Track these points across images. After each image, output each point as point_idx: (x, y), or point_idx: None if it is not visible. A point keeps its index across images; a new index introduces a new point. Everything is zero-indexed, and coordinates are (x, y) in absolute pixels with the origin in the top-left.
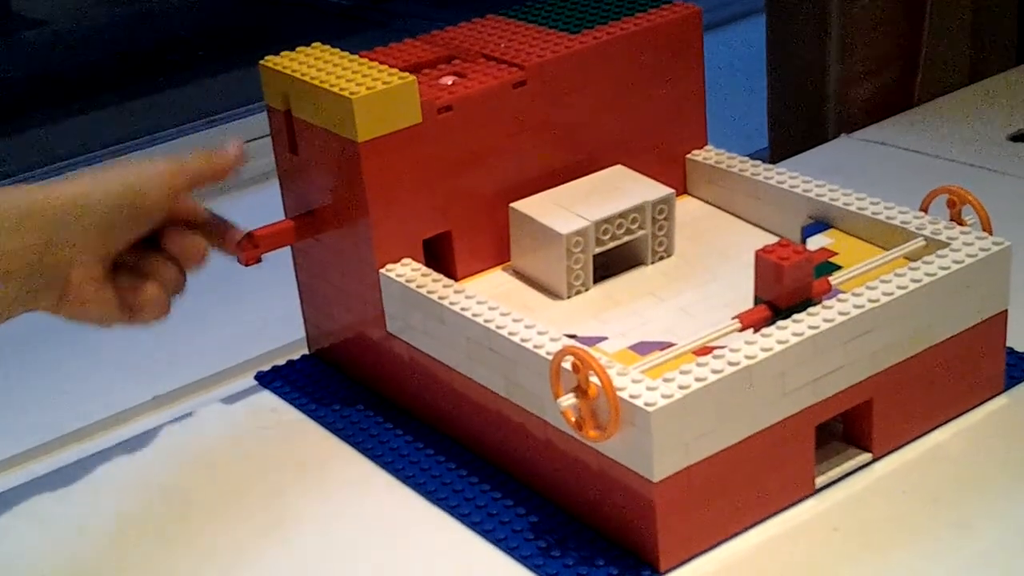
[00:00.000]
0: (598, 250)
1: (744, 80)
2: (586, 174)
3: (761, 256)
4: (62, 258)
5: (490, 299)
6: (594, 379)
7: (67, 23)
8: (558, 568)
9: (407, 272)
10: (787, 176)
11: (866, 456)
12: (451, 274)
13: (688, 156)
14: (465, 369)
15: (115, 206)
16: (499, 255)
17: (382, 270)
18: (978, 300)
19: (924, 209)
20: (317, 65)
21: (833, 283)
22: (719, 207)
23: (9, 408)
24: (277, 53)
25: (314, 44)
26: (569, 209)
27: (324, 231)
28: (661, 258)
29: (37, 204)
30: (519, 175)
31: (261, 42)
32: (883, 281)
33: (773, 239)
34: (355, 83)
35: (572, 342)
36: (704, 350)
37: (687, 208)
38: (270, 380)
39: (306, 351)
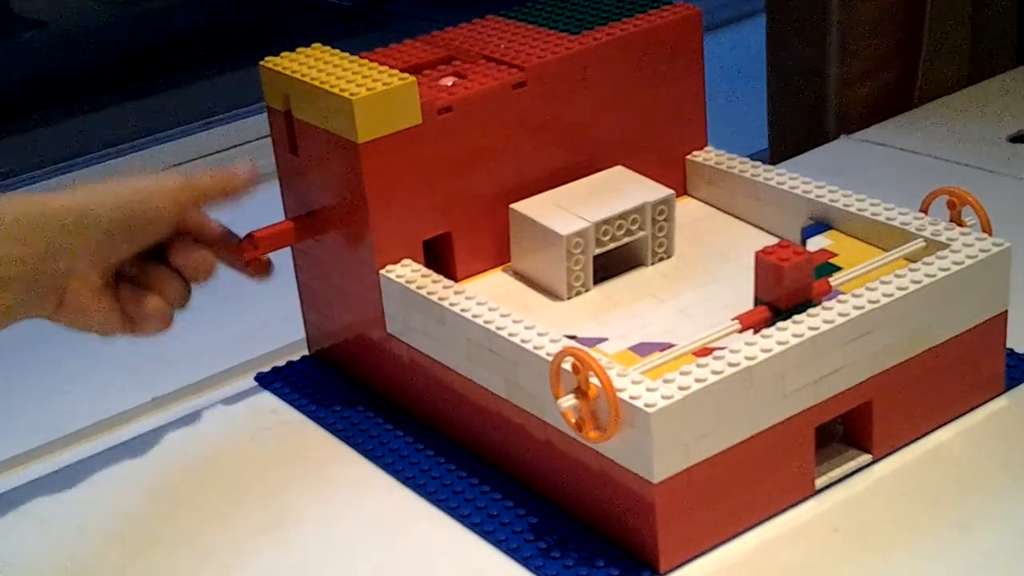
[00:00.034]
0: (598, 251)
1: (744, 81)
2: (586, 175)
3: (761, 257)
4: (61, 267)
5: (490, 300)
6: (594, 380)
7: (67, 23)
8: (558, 569)
9: (407, 273)
10: (787, 177)
11: (866, 457)
12: (451, 275)
13: (688, 157)
14: (465, 370)
15: (117, 218)
16: (499, 256)
17: (382, 271)
18: (978, 301)
19: (924, 210)
20: (317, 66)
21: (833, 284)
22: (719, 208)
23: (9, 408)
24: (277, 54)
25: (314, 45)
26: (569, 210)
27: (324, 232)
28: (661, 259)
29: (38, 212)
30: (519, 176)
31: (261, 43)
32: (883, 282)
33: (773, 240)
34: (355, 84)
35: (572, 343)
36: (704, 351)
37: (687, 209)
38: (270, 381)
39: (306, 352)
